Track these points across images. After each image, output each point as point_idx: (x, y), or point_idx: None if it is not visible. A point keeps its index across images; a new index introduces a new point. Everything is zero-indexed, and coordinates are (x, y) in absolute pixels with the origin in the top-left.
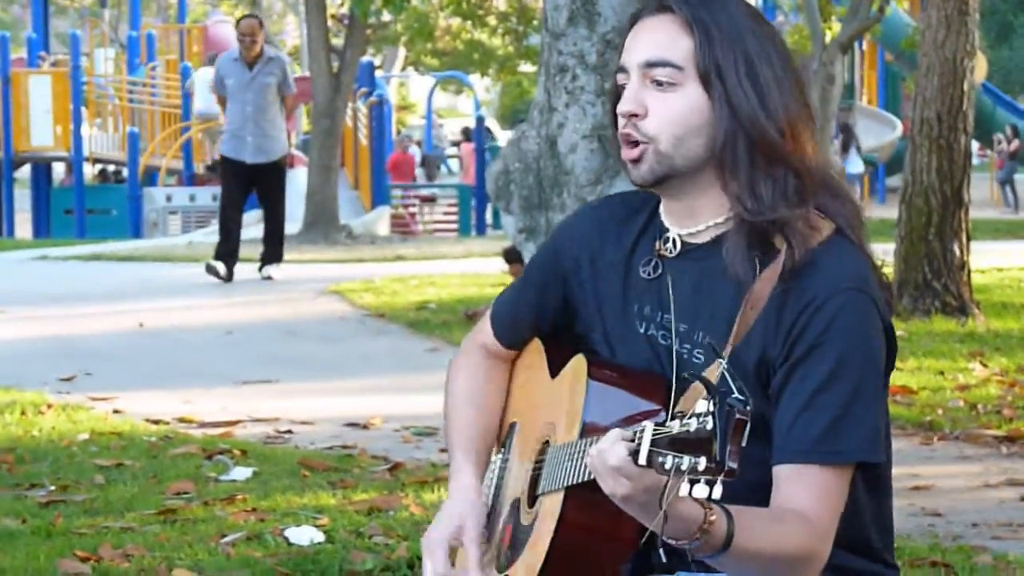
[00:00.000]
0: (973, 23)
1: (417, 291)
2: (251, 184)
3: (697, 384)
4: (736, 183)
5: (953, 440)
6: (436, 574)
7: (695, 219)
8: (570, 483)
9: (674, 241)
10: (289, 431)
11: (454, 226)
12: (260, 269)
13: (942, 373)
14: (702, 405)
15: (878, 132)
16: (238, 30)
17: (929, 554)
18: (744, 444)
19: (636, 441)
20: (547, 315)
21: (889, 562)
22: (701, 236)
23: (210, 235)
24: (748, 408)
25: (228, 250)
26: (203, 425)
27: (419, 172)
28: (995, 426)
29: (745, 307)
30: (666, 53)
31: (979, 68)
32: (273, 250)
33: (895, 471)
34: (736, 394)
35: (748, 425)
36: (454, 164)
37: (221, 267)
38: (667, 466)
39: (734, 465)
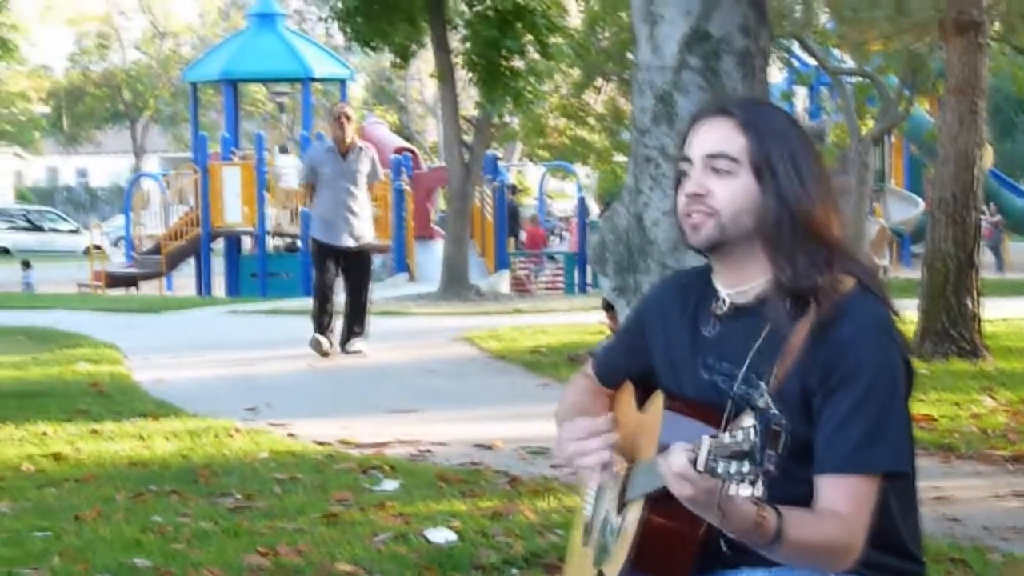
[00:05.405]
0: (982, 120)
1: (532, 338)
2: (341, 265)
3: (747, 409)
4: (779, 255)
5: (968, 459)
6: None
7: (742, 281)
8: (649, 491)
9: (724, 301)
10: (429, 450)
11: (561, 286)
12: (344, 345)
13: (958, 404)
14: (748, 421)
15: (905, 209)
16: (333, 116)
17: (949, 552)
18: (780, 451)
19: (695, 452)
20: (633, 367)
21: (918, 559)
22: (747, 296)
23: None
24: (783, 422)
25: (328, 324)
26: (360, 446)
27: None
28: (1002, 448)
29: (784, 356)
30: (725, 147)
31: (987, 157)
32: (359, 328)
33: (920, 484)
34: (773, 411)
35: (783, 435)
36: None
37: (325, 342)
38: (719, 471)
39: (771, 467)
